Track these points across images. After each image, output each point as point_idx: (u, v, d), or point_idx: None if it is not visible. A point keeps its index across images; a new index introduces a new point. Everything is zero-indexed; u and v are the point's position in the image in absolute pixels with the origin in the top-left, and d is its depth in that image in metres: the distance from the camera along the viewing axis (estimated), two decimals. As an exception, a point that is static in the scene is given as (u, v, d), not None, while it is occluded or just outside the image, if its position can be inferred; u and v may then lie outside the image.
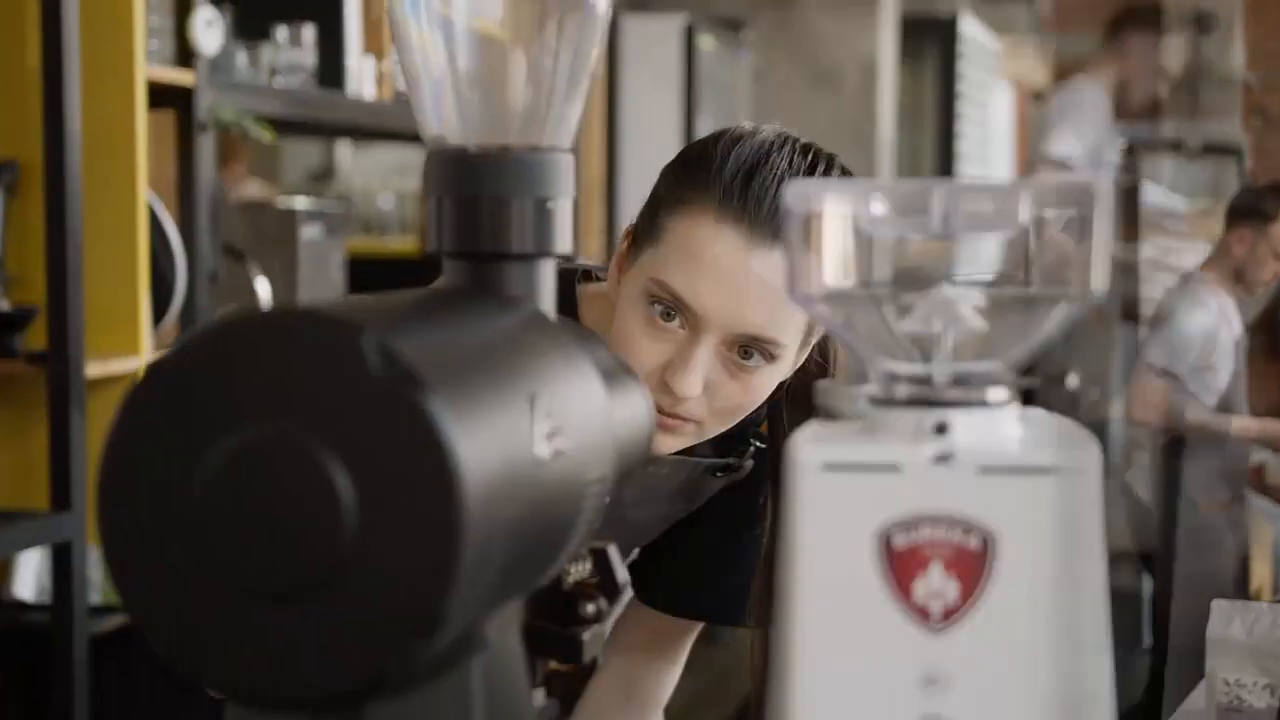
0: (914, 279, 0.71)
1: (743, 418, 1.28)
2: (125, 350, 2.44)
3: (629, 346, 1.23)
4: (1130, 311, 4.23)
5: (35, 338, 2.32)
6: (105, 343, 2.41)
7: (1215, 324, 4.24)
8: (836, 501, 0.67)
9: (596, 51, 0.81)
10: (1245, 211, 4.32)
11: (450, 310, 0.71)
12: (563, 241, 0.78)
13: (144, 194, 2.42)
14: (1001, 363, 0.70)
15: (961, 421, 0.68)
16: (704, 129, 6.39)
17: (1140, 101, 4.41)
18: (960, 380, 0.70)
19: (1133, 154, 4.37)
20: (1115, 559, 0.68)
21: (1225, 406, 4.31)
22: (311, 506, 0.59)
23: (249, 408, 0.60)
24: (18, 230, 2.37)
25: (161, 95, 2.56)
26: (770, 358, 1.23)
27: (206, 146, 2.61)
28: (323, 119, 3.10)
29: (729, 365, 1.23)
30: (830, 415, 0.77)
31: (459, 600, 0.60)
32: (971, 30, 7.38)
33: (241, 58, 2.86)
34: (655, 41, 5.18)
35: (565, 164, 0.78)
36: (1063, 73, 9.44)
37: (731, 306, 1.20)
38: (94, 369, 2.35)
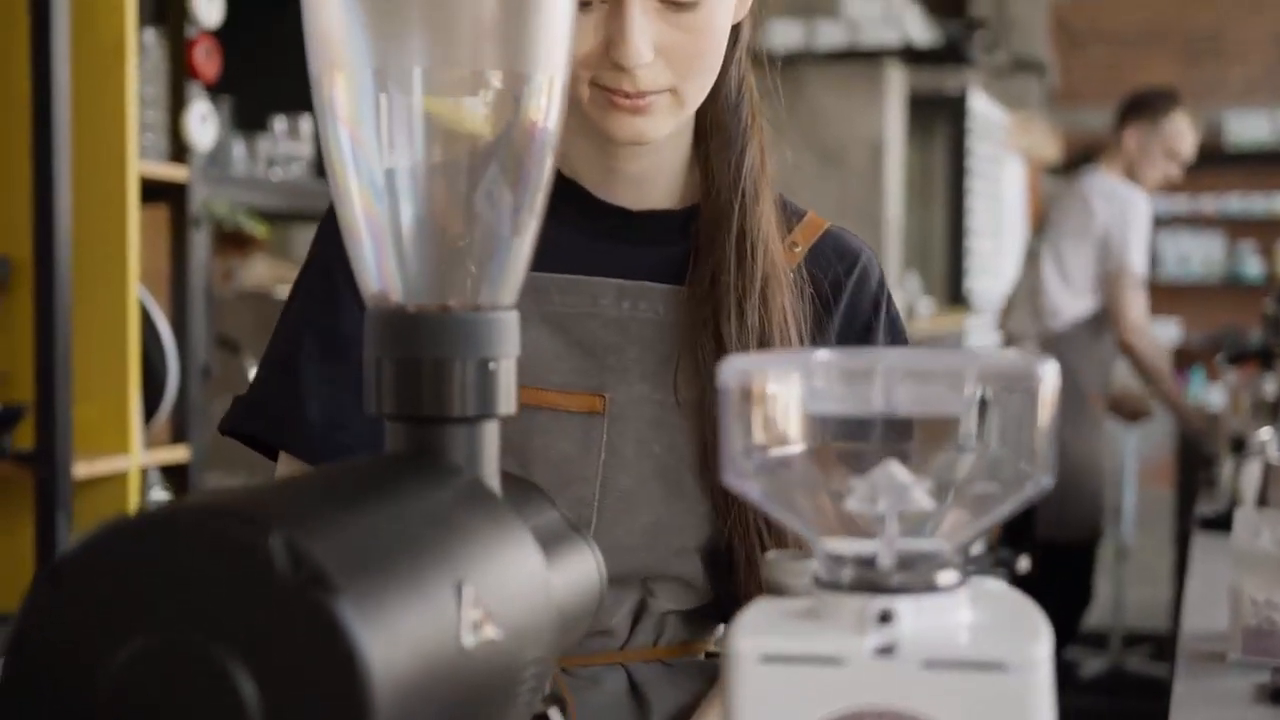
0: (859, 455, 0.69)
1: (716, 67, 1.18)
2: (115, 449, 2.42)
3: None
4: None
5: (23, 437, 2.30)
6: (95, 442, 2.39)
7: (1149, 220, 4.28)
8: (776, 695, 0.64)
9: (541, 199, 0.78)
10: (1139, 109, 4.34)
11: (377, 490, 0.68)
12: (506, 402, 0.76)
13: (135, 291, 2.41)
14: (950, 543, 0.68)
15: (907, 609, 0.65)
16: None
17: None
18: (906, 562, 0.67)
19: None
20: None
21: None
22: (215, 716, 0.57)
23: (153, 610, 0.58)
24: (8, 327, 2.36)
25: (155, 190, 2.55)
26: None
27: (200, 241, 2.60)
28: (320, 210, 3.09)
29: (668, 17, 1.14)
30: (777, 590, 0.74)
31: (374, 809, 0.57)
32: (981, 106, 7.39)
33: (239, 149, 2.85)
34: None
35: (509, 322, 0.76)
36: (1072, 146, 9.47)
37: None
38: (82, 469, 2.32)
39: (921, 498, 0.67)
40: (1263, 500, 2.78)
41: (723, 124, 1.25)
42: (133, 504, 2.44)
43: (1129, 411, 4.78)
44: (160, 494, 2.78)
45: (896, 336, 1.30)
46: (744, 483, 0.67)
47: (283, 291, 3.19)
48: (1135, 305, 4.20)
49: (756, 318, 1.20)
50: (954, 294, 7.16)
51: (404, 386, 0.74)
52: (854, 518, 0.68)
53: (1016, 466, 0.66)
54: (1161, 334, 9.77)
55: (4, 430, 2.26)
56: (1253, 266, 9.67)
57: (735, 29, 1.24)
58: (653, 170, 1.25)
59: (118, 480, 2.44)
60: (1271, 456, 2.85)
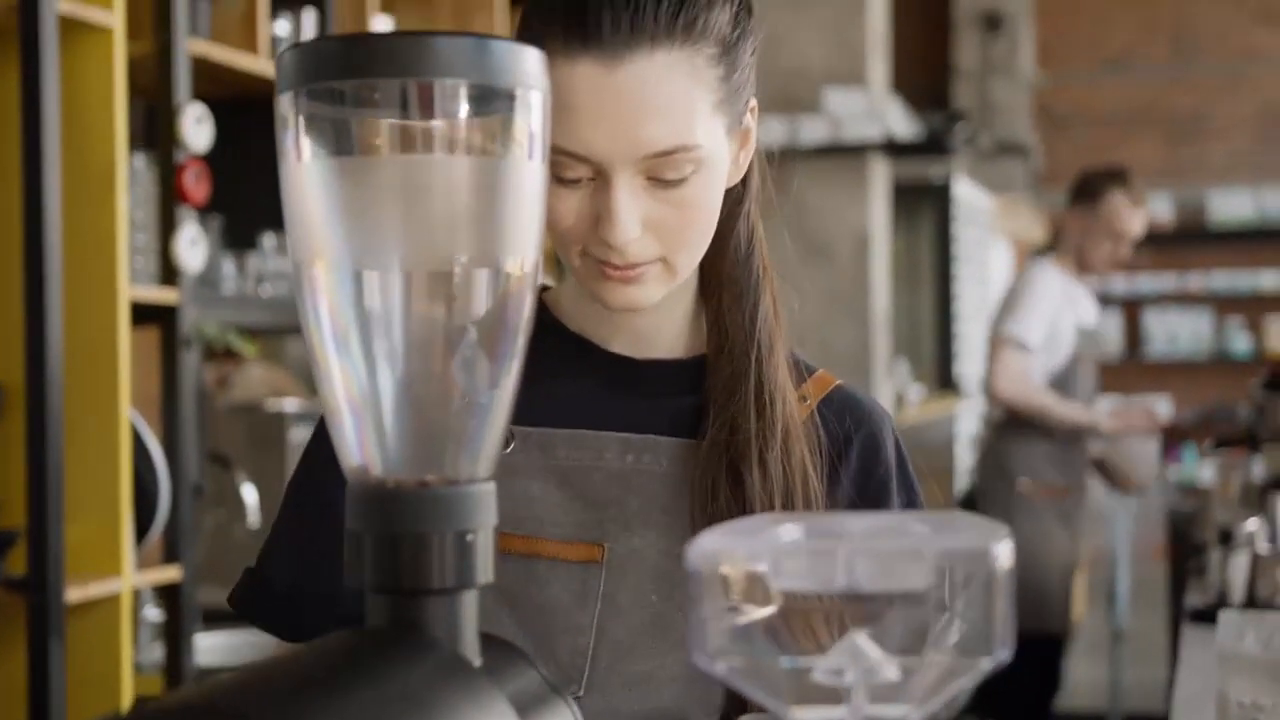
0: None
1: (707, 235, 1.18)
2: (107, 572, 2.43)
3: (548, 223, 1.12)
4: None
5: (15, 563, 2.31)
6: (87, 565, 2.41)
7: (1059, 304, 4.28)
8: None
9: (515, 374, 0.81)
10: (1078, 193, 4.38)
11: (356, 671, 0.70)
12: (484, 572, 0.78)
13: (126, 415, 2.43)
14: (917, 712, 0.70)
15: (874, 781, 0.67)
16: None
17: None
18: (874, 732, 0.69)
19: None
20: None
21: (1059, 390, 4.32)
22: None
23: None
24: (0, 453, 2.38)
25: (146, 313, 2.58)
26: (695, 165, 1.14)
27: (190, 362, 2.63)
28: (309, 324, 3.12)
29: (656, 193, 1.14)
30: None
31: None
32: (965, 192, 7.46)
33: (229, 266, 2.89)
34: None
35: (486, 494, 0.78)
36: (1058, 227, 9.56)
37: (622, 137, 1.11)
38: (75, 593, 2.33)
39: (888, 668, 0.69)
40: (1251, 593, 2.79)
41: (734, 278, 1.25)
42: (125, 626, 2.45)
43: (1119, 482, 4.75)
44: (153, 613, 2.79)
45: (913, 506, 1.29)
46: (712, 662, 0.69)
47: (275, 404, 3.22)
48: (1003, 364, 4.24)
49: (780, 469, 1.20)
50: (943, 379, 7.20)
51: (384, 560, 0.76)
52: (822, 687, 0.70)
53: (977, 638, 0.68)
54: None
55: (-3, 556, 2.28)
56: (1241, 343, 9.73)
57: (743, 182, 1.25)
58: (656, 323, 1.26)
59: (110, 603, 2.45)
60: (1259, 548, 2.87)
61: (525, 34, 1.16)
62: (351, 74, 0.75)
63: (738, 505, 1.19)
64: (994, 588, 0.67)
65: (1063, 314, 4.32)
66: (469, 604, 0.78)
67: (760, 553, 0.69)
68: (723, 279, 1.26)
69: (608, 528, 1.21)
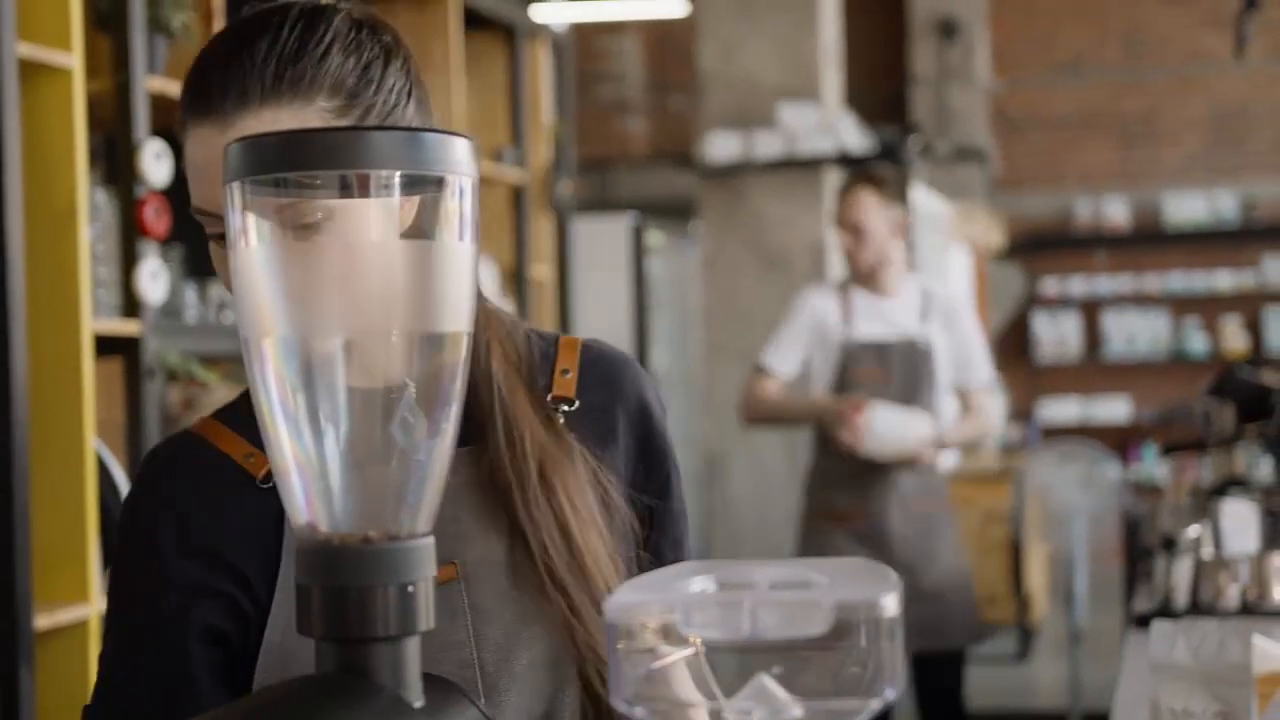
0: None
1: None
2: (74, 599, 2.48)
3: (224, 282, 1.19)
4: None
5: (-17, 593, 2.36)
6: (54, 591, 2.46)
7: (815, 326, 4.15)
8: None
9: (451, 437, 0.87)
10: None
11: (305, 717, 0.77)
12: (426, 619, 0.85)
13: (91, 444, 2.48)
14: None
15: (778, 811, 0.73)
16: (656, 321, 6.56)
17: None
18: (779, 765, 0.76)
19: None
20: None
21: None
22: None
23: None
24: (-33, 485, 2.42)
25: (109, 344, 2.64)
26: (324, 213, 1.14)
27: (153, 392, 2.68)
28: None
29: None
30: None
31: None
32: (923, 200, 7.53)
33: (191, 295, 2.94)
34: (606, 240, 5.35)
35: (425, 548, 0.85)
36: (1016, 231, 9.67)
37: None
38: (42, 620, 2.39)
39: (792, 708, 0.76)
40: (1194, 598, 2.86)
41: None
42: (94, 652, 2.50)
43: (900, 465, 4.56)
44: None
45: (671, 454, 1.37)
46: (631, 707, 0.75)
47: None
48: (745, 391, 4.19)
49: (545, 504, 1.26)
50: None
51: (331, 611, 0.83)
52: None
53: (869, 678, 0.75)
54: (1111, 411, 9.95)
55: (-34, 587, 2.33)
56: (1198, 343, 9.86)
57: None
58: None
59: (78, 629, 2.51)
60: (1203, 553, 2.93)
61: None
62: (292, 167, 0.82)
63: (534, 528, 1.26)
64: (883, 633, 0.74)
65: (827, 334, 4.15)
66: (411, 649, 0.84)
67: (672, 604, 0.76)
68: None
69: (454, 546, 1.26)
